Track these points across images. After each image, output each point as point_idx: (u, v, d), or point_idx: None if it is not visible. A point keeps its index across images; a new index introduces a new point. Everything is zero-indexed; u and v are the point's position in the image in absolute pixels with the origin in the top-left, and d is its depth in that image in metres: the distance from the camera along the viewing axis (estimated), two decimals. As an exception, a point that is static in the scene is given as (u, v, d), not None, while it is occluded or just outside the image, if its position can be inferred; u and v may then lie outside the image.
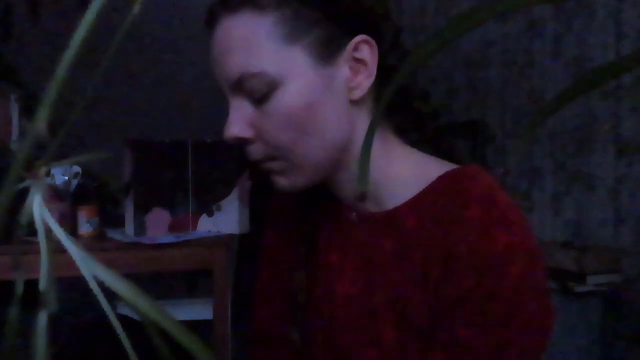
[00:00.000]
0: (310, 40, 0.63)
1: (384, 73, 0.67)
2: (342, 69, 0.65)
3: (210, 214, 1.65)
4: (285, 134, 0.64)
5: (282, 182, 0.67)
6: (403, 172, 0.69)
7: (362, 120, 0.68)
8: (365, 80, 0.66)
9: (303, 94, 0.63)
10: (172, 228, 1.59)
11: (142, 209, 1.55)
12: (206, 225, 1.64)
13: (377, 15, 0.67)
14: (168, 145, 1.58)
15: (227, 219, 1.64)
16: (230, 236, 1.63)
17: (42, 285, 0.21)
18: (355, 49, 0.65)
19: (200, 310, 2.23)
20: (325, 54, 0.63)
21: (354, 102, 0.67)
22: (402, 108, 0.72)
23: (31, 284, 0.29)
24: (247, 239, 1.72)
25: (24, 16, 2.95)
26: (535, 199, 2.91)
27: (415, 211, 0.67)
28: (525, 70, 3.00)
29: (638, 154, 2.42)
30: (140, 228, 1.55)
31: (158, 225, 1.57)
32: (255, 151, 0.66)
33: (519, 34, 3.04)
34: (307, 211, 0.79)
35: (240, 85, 0.64)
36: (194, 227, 1.63)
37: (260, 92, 0.63)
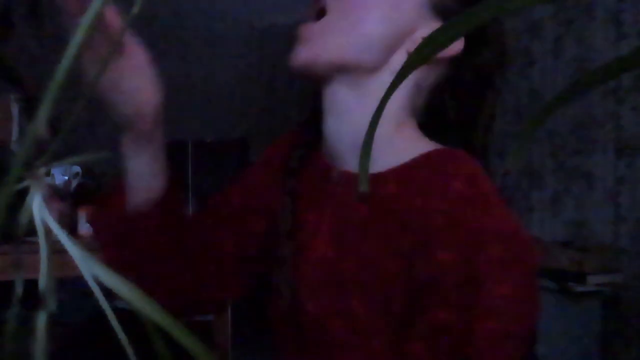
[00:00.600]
0: None
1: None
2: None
3: (210, 214, 1.65)
4: None
5: (301, 53, 0.67)
6: (396, 142, 0.68)
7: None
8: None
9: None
10: (172, 228, 1.59)
11: (142, 209, 1.55)
12: (206, 225, 1.64)
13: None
14: (168, 145, 1.58)
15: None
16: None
17: (42, 285, 0.21)
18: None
19: (200, 310, 2.23)
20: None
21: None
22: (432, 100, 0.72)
23: (31, 284, 0.29)
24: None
25: (24, 16, 2.95)
26: (535, 199, 2.91)
27: (397, 179, 0.66)
28: (525, 70, 3.00)
29: (638, 154, 2.42)
30: (140, 228, 1.54)
31: (158, 225, 1.57)
32: None
33: (519, 34, 3.04)
34: (296, 164, 0.77)
35: None
36: (194, 227, 1.63)
37: None
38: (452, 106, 0.73)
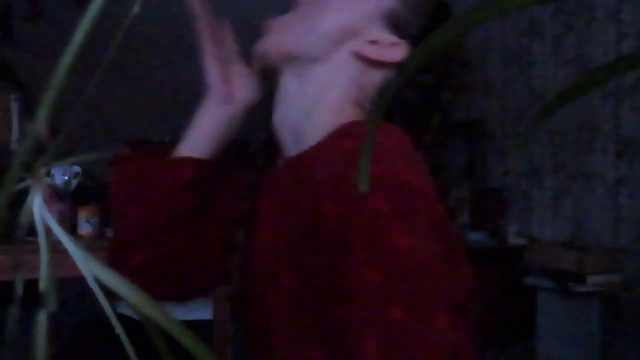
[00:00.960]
0: None
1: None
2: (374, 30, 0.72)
3: (210, 214, 1.65)
4: None
5: (262, 43, 0.72)
6: (326, 123, 0.69)
7: (338, 75, 0.71)
8: (374, 54, 0.71)
9: None
10: (172, 228, 1.59)
11: (142, 209, 1.55)
12: (206, 225, 1.64)
13: None
14: (168, 145, 1.58)
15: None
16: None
17: (42, 285, 0.21)
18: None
19: (200, 310, 2.23)
20: None
21: (352, 55, 0.71)
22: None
23: (31, 284, 0.29)
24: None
25: (24, 16, 2.95)
26: (535, 199, 2.91)
27: (313, 152, 0.66)
28: (525, 70, 3.00)
29: (638, 154, 2.42)
30: (140, 228, 1.54)
31: (158, 225, 1.57)
32: None
33: (519, 34, 3.04)
34: (260, 160, 0.82)
35: None
36: (194, 227, 1.63)
37: None
38: (397, 107, 0.75)
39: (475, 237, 2.89)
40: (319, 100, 0.71)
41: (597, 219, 2.58)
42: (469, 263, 0.59)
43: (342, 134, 0.66)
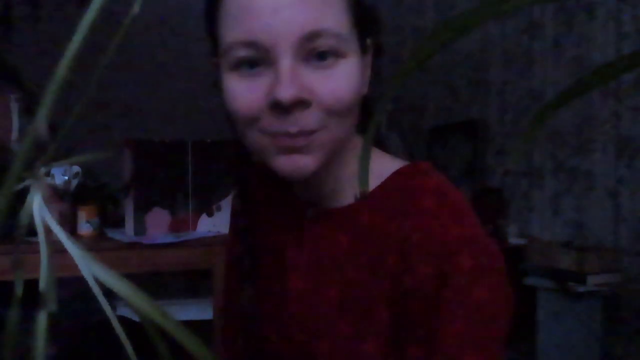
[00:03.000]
0: (358, 27, 0.64)
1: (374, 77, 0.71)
2: (366, 66, 0.67)
3: (210, 214, 1.65)
4: (349, 99, 0.61)
5: (306, 163, 0.61)
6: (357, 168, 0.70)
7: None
8: (368, 79, 0.68)
9: (359, 67, 0.63)
10: (172, 228, 1.59)
11: (142, 209, 1.55)
12: (206, 225, 1.64)
13: (380, 25, 0.70)
14: (168, 145, 1.58)
15: (227, 219, 1.63)
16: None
17: (42, 285, 0.21)
18: (369, 47, 0.68)
19: (200, 310, 2.23)
20: (362, 45, 0.65)
21: (363, 92, 0.68)
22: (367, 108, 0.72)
23: (31, 284, 0.29)
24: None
25: (24, 16, 2.95)
26: (535, 199, 2.91)
27: (370, 206, 0.68)
28: (525, 70, 3.00)
29: (638, 154, 2.42)
30: (140, 228, 1.55)
31: (158, 225, 1.58)
32: (308, 119, 0.60)
33: (519, 34, 3.04)
34: (263, 211, 0.81)
35: (310, 41, 0.58)
36: (194, 227, 1.63)
37: (331, 52, 0.59)
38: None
39: (475, 237, 2.88)
40: (345, 152, 0.68)
41: (597, 219, 2.58)
42: (513, 298, 0.66)
43: (411, 191, 0.66)
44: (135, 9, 0.21)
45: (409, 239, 0.63)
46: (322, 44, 0.59)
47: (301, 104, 0.59)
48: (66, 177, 1.57)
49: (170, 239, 1.54)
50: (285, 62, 0.58)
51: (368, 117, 0.73)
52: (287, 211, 0.77)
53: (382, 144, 0.75)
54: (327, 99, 0.60)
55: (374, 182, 0.69)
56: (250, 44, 0.59)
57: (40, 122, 0.20)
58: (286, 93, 0.57)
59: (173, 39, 3.64)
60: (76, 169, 1.60)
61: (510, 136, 3.13)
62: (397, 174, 0.69)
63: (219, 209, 1.66)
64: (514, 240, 2.87)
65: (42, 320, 0.21)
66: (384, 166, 0.70)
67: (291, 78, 0.58)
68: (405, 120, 3.73)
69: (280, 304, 0.75)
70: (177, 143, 1.59)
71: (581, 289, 2.26)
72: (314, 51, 0.59)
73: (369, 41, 0.67)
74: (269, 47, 0.58)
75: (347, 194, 0.70)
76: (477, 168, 3.24)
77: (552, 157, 2.82)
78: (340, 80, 0.60)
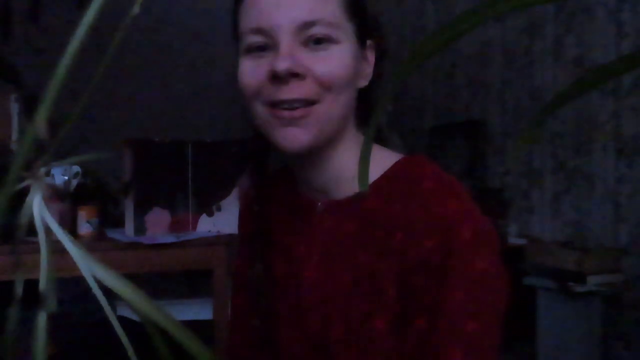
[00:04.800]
0: (356, 23, 0.74)
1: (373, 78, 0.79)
2: (362, 59, 0.76)
3: (210, 214, 1.65)
4: (340, 76, 0.71)
5: (300, 135, 0.71)
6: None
7: (352, 112, 0.77)
8: (367, 76, 0.77)
9: (352, 55, 0.72)
10: (172, 228, 1.59)
11: (142, 209, 1.55)
12: (206, 225, 1.64)
13: (381, 29, 0.80)
14: (168, 145, 1.58)
15: (227, 219, 1.64)
16: (230, 236, 1.62)
17: (42, 285, 0.21)
18: (369, 48, 0.77)
19: (200, 310, 2.23)
20: (359, 41, 0.75)
21: (355, 91, 0.76)
22: (366, 103, 0.80)
23: (31, 284, 0.29)
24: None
25: (24, 16, 2.95)
26: (535, 199, 2.91)
27: (374, 194, 0.74)
28: (525, 70, 3.00)
29: (638, 154, 2.42)
30: (140, 228, 1.55)
31: (158, 225, 1.58)
32: (303, 88, 0.69)
33: (519, 34, 3.04)
34: (271, 208, 0.86)
35: (308, 28, 0.69)
36: (194, 227, 1.63)
37: (325, 39, 0.70)
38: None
39: (475, 237, 2.89)
40: (348, 146, 0.77)
41: (597, 219, 2.58)
42: (507, 278, 0.71)
43: (411, 177, 0.73)
44: (135, 9, 0.21)
45: (412, 217, 0.69)
46: (317, 31, 0.69)
47: (296, 75, 0.69)
48: (66, 177, 1.57)
49: (170, 239, 1.54)
50: (284, 43, 0.69)
51: (369, 114, 0.80)
52: (295, 209, 0.82)
53: (384, 142, 0.82)
54: (320, 73, 0.70)
55: (377, 172, 0.76)
56: (258, 31, 0.70)
57: (40, 122, 0.20)
58: (282, 64, 0.68)
59: (174, 39, 3.64)
60: (76, 169, 1.60)
61: (510, 136, 3.13)
62: (398, 163, 0.76)
63: (219, 209, 1.66)
64: (514, 240, 2.87)
65: (42, 320, 0.21)
66: (385, 158, 0.77)
67: (288, 53, 0.69)
68: (405, 120, 3.73)
69: (296, 298, 0.79)
70: (177, 143, 1.59)
71: (581, 289, 2.26)
72: (311, 37, 0.70)
73: (369, 42, 0.77)
74: (272, 34, 0.70)
75: (352, 185, 0.76)
76: (477, 168, 3.24)
77: (552, 157, 2.82)
78: (333, 60, 0.70)
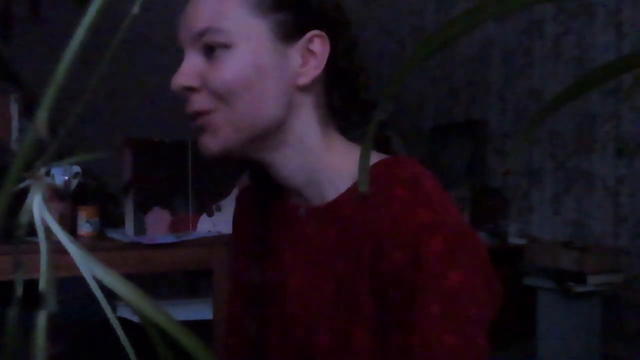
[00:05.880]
0: (274, 19, 0.71)
1: (336, 72, 0.74)
2: (295, 55, 0.72)
3: (210, 214, 1.65)
4: (231, 84, 0.69)
5: (209, 142, 0.71)
6: (341, 164, 0.74)
7: (304, 112, 0.73)
8: (312, 70, 0.72)
9: (255, 56, 0.70)
10: (172, 228, 1.59)
11: (142, 209, 1.55)
12: (206, 225, 1.64)
13: (335, 17, 0.74)
14: (168, 145, 1.58)
15: (227, 219, 1.64)
16: (230, 236, 1.62)
17: (42, 285, 0.21)
18: (310, 40, 0.72)
19: (200, 310, 2.23)
20: (283, 36, 0.71)
21: (298, 89, 0.72)
22: (346, 107, 0.76)
23: (31, 284, 0.29)
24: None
25: (24, 16, 2.95)
26: (535, 199, 2.91)
27: (352, 199, 0.72)
28: (526, 70, 3.00)
29: (638, 154, 2.42)
30: (140, 228, 1.55)
31: (158, 225, 1.58)
32: (197, 101, 0.71)
33: (519, 34, 3.04)
34: (261, 214, 0.85)
35: (201, 37, 0.70)
36: (194, 227, 1.63)
37: (218, 45, 0.70)
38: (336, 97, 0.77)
39: (475, 237, 2.89)
40: (323, 147, 0.74)
41: (597, 219, 2.58)
42: (498, 283, 0.69)
43: (386, 182, 0.69)
44: (135, 9, 0.21)
45: (381, 228, 0.67)
46: (207, 39, 0.70)
47: (189, 89, 0.71)
48: (66, 177, 1.57)
49: (170, 239, 1.54)
50: (186, 57, 0.73)
51: (344, 110, 0.76)
52: (282, 215, 0.81)
53: (378, 144, 0.78)
54: (212, 84, 0.70)
55: (355, 175, 0.73)
56: (180, 48, 0.75)
57: (40, 122, 0.20)
58: (173, 82, 0.71)
59: (175, 39, 3.64)
60: (76, 169, 1.60)
61: (510, 136, 3.13)
62: (376, 166, 0.72)
63: (218, 209, 1.66)
64: (514, 240, 2.87)
65: (42, 320, 0.21)
66: (357, 160, 0.72)
67: (183, 68, 0.71)
68: (405, 120, 3.73)
69: (281, 304, 0.78)
70: (177, 143, 1.59)
71: (581, 289, 2.26)
72: (205, 47, 0.71)
73: (313, 33, 0.71)
74: (182, 43, 0.74)
75: (331, 189, 0.74)
76: (477, 168, 3.24)
77: (552, 157, 2.82)
78: (224, 68, 0.69)
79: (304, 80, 0.71)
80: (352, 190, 0.72)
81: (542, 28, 2.90)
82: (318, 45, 0.72)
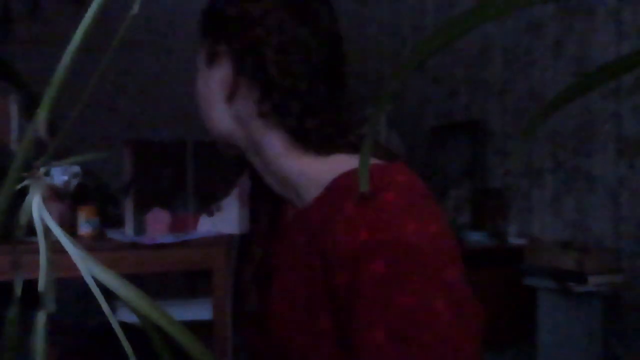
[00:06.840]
0: (203, 49, 0.78)
1: (266, 83, 0.72)
2: (216, 73, 0.77)
3: (210, 214, 1.65)
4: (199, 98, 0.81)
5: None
6: (312, 172, 0.73)
7: (254, 122, 0.74)
8: (222, 84, 0.77)
9: (201, 83, 0.80)
10: (172, 228, 1.59)
11: (142, 209, 1.55)
12: (206, 225, 1.64)
13: (236, 29, 0.74)
14: (168, 145, 1.58)
15: (227, 219, 1.64)
16: (230, 236, 1.62)
17: (41, 285, 0.21)
18: (222, 54, 0.76)
19: (200, 310, 2.23)
20: (207, 61, 0.78)
21: (230, 102, 0.76)
22: (298, 121, 0.73)
23: (31, 284, 0.29)
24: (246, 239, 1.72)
25: (24, 16, 2.95)
26: (535, 199, 2.91)
27: (318, 208, 0.70)
28: (525, 70, 3.00)
29: (638, 154, 2.42)
30: (140, 228, 1.55)
31: (158, 225, 1.58)
32: None
33: (519, 34, 3.04)
34: (267, 205, 0.86)
35: None
36: (194, 227, 1.63)
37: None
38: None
39: (475, 237, 2.89)
40: (292, 157, 0.73)
41: (597, 219, 2.58)
42: (477, 305, 0.61)
43: (341, 194, 0.66)
44: (135, 9, 0.21)
45: (325, 245, 0.64)
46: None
47: None
48: (66, 177, 1.57)
49: (170, 239, 1.54)
50: None
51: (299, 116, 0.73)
52: (275, 216, 0.83)
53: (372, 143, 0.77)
54: None
55: (326, 182, 0.70)
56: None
57: (40, 122, 0.20)
58: None
59: (175, 39, 3.64)
60: (76, 169, 1.60)
61: (510, 136, 3.13)
62: (344, 174, 0.69)
63: (219, 209, 1.66)
64: (514, 240, 2.86)
65: (41, 320, 0.21)
66: (338, 166, 0.70)
67: None
68: (405, 120, 3.73)
69: (265, 306, 0.79)
70: (177, 143, 1.59)
71: (581, 289, 2.26)
72: None
73: (219, 48, 0.76)
74: None
75: (307, 196, 0.73)
76: (477, 168, 3.24)
77: (552, 157, 2.82)
78: (197, 87, 0.82)
79: (224, 94, 0.77)
80: (320, 199, 0.70)
81: (542, 28, 2.90)
82: (226, 58, 0.76)
